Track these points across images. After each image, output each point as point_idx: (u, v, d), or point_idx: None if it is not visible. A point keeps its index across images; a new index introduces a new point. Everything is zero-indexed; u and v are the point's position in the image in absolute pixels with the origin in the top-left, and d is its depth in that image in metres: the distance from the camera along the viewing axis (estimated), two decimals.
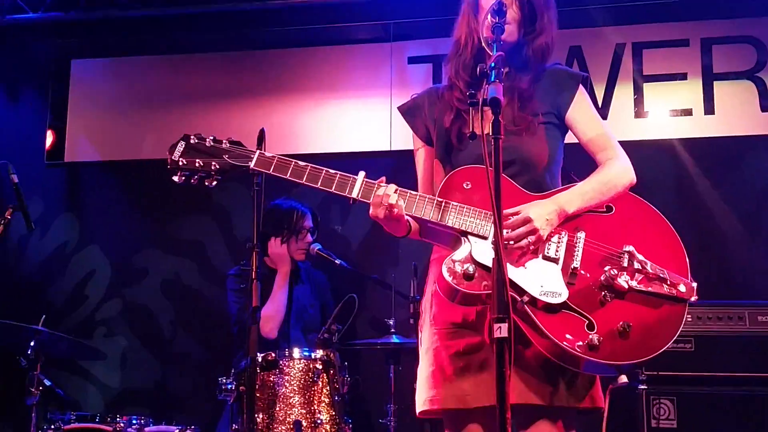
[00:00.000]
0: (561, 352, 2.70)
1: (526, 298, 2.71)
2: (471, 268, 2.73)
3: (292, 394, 4.38)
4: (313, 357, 4.49)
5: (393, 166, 6.07)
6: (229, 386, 4.30)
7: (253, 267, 3.49)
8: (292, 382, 4.41)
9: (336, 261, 5.16)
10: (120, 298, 6.47)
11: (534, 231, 2.73)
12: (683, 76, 5.85)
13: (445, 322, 2.94)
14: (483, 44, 2.57)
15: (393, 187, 2.84)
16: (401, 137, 5.96)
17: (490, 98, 2.22)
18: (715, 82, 5.80)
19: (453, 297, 2.77)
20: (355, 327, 5.41)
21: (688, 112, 5.81)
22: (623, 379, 4.08)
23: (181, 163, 2.99)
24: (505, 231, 2.75)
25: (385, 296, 5.33)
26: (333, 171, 2.91)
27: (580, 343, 2.68)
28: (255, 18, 6.34)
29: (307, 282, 5.47)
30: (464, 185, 2.86)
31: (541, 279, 2.74)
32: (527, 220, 2.73)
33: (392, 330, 5.08)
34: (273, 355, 4.42)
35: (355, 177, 2.89)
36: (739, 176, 5.71)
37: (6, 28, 6.44)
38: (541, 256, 2.78)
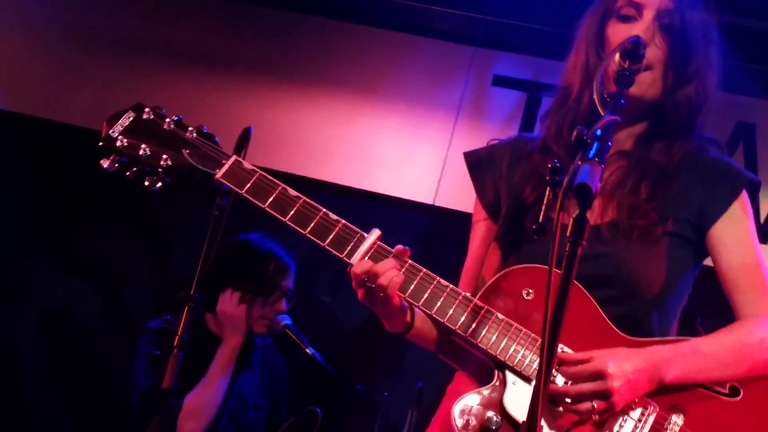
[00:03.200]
0: None
1: None
2: (495, 420, 2.74)
3: None
4: None
5: (431, 227, 6.11)
6: None
7: (180, 329, 3.50)
8: None
9: (307, 349, 5.15)
10: None
11: (606, 392, 2.69)
12: None
13: None
14: (594, 97, 2.58)
15: (391, 262, 2.81)
16: (451, 191, 6.00)
17: (576, 183, 2.21)
18: None
19: None
20: None
21: None
22: None
23: (119, 144, 3.03)
24: (562, 379, 2.75)
25: (365, 422, 5.32)
26: (334, 217, 2.94)
27: None
28: None
29: (258, 369, 5.45)
30: (523, 293, 2.88)
31: None
32: (600, 373, 2.70)
33: None
34: None
35: (365, 235, 2.90)
36: None
37: None
38: None
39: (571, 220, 2.23)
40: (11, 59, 6.80)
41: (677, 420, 2.79)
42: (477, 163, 3.22)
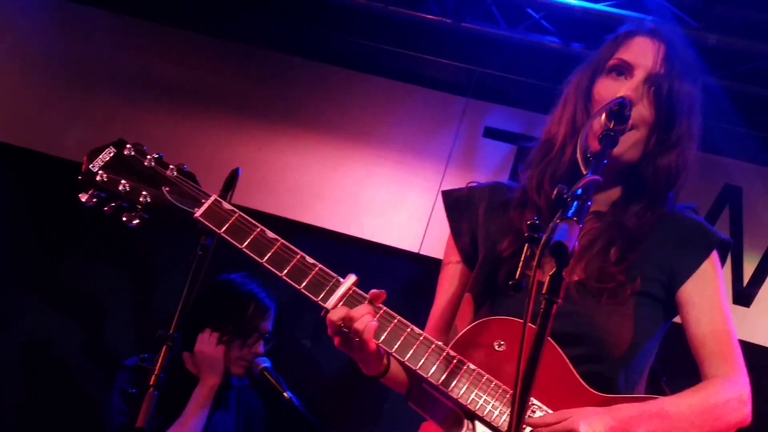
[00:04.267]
0: None
1: None
2: None
3: None
4: None
5: (415, 275, 6.10)
6: None
7: (157, 368, 3.48)
8: None
9: (285, 393, 5.13)
10: None
11: None
12: None
13: None
14: (578, 156, 2.61)
15: (366, 307, 2.82)
16: (438, 241, 5.99)
17: (554, 242, 2.23)
18: None
19: None
20: None
21: None
22: None
23: (99, 179, 3.04)
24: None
25: None
26: (312, 261, 2.94)
27: None
28: (284, 6, 6.48)
29: (234, 410, 5.43)
30: (495, 345, 2.89)
31: None
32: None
33: None
34: None
35: (341, 280, 2.91)
36: None
37: None
38: None
39: (548, 277, 2.25)
40: (4, 90, 6.80)
41: None
42: (455, 203, 3.24)
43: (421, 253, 6.18)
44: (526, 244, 2.45)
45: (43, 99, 6.75)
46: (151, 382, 3.47)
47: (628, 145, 2.94)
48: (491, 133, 6.37)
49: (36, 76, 6.79)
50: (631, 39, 3.08)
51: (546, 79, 5.74)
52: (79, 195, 3.05)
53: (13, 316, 6.52)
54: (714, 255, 3.05)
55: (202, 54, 6.73)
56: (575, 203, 2.34)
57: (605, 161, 2.60)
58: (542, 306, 2.24)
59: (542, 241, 2.25)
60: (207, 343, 5.22)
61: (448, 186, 5.97)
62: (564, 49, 5.91)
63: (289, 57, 6.65)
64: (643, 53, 3.02)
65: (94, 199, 3.05)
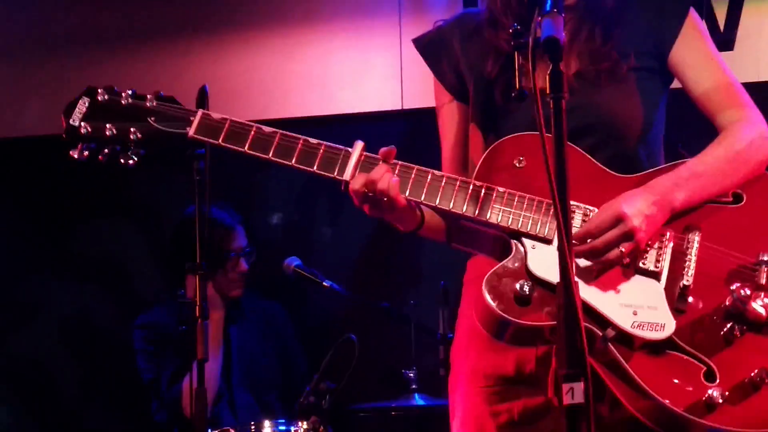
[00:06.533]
0: (664, 416, 2.73)
1: (611, 333, 2.75)
2: (527, 287, 2.77)
3: None
4: None
5: (405, 132, 6.12)
6: None
7: (197, 299, 3.54)
8: None
9: (324, 282, 5.20)
10: None
11: (629, 233, 2.75)
12: None
13: (489, 375, 3.00)
14: None
15: (383, 167, 2.86)
16: (416, 91, 6.00)
17: (544, 38, 2.24)
18: None
19: (500, 333, 2.82)
20: (357, 384, 5.46)
21: None
22: None
23: (83, 131, 3.00)
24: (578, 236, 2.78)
25: (401, 335, 5.38)
26: (315, 141, 2.95)
27: (694, 401, 2.72)
28: None
29: (250, 323, 5.55)
30: (515, 162, 2.92)
31: (635, 303, 2.78)
32: (618, 217, 2.76)
33: (413, 387, 5.15)
34: None
35: (349, 150, 2.93)
36: None
37: None
38: (634, 269, 2.83)
39: (547, 76, 2.28)
40: None
41: (694, 237, 2.87)
42: (429, 46, 3.23)
43: (404, 108, 6.17)
44: (516, 53, 2.46)
45: None
46: (197, 314, 3.55)
47: None
48: None
49: None
50: None
51: None
52: (70, 153, 3.00)
53: (43, 299, 6.56)
54: (692, 12, 3.07)
55: None
56: None
57: None
58: (551, 106, 2.28)
59: (531, 43, 2.27)
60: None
61: (408, 35, 5.95)
62: None
63: None
64: None
65: (86, 152, 3.00)
